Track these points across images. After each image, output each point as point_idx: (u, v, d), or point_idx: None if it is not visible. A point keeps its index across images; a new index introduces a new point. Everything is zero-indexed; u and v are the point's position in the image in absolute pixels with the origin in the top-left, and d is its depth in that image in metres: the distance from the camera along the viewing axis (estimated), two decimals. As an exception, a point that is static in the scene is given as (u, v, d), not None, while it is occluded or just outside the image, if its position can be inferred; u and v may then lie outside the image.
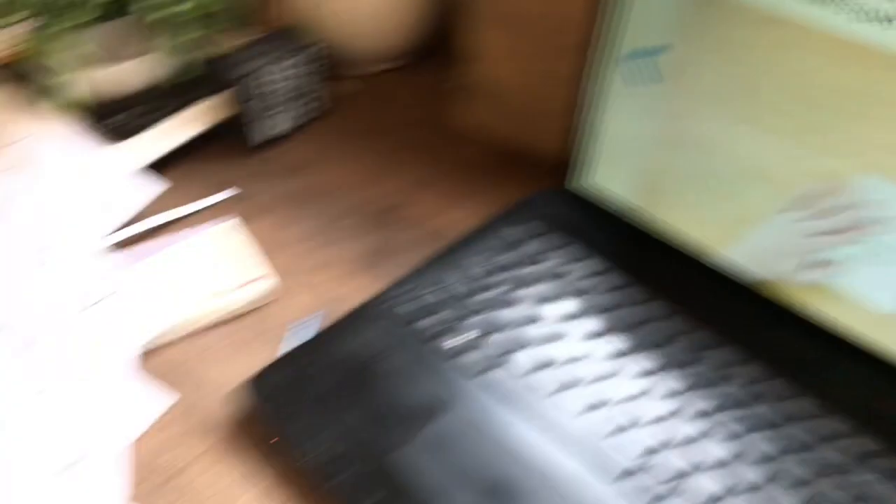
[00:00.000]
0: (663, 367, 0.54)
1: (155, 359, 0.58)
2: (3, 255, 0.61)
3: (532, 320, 0.57)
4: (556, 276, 0.61)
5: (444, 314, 0.57)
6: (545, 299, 0.59)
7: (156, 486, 0.50)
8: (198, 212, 0.69)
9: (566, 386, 0.53)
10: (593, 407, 0.52)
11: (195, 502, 0.49)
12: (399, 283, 0.60)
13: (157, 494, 0.50)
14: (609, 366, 0.54)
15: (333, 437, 0.50)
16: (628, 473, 0.48)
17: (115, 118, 0.72)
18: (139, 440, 0.52)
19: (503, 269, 0.61)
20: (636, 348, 0.56)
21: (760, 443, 0.50)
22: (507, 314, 0.58)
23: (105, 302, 0.59)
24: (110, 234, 0.65)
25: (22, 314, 0.58)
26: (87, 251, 0.63)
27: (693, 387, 0.53)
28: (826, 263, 0.54)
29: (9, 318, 0.57)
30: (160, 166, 0.72)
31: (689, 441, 0.50)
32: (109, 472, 0.50)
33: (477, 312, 0.58)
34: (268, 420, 0.51)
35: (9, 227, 0.63)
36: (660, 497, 0.47)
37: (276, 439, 0.51)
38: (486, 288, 0.60)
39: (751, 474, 0.49)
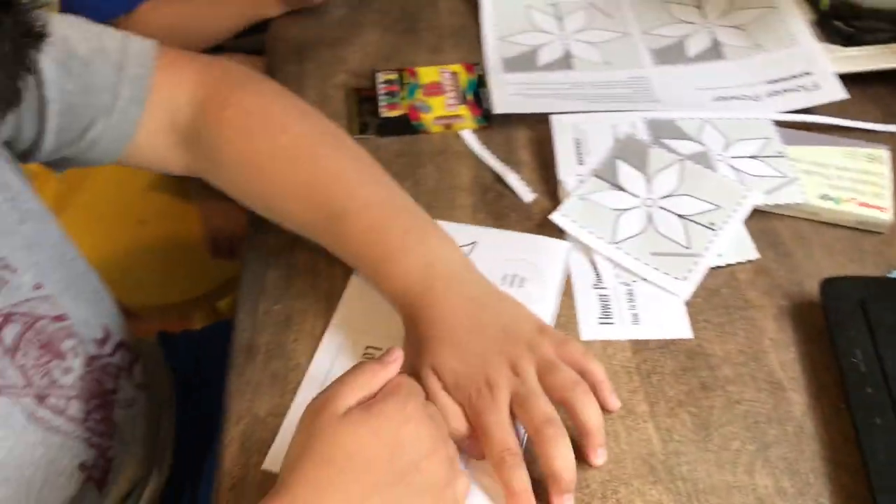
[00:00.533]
0: None
1: (761, 222, 0.67)
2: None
3: None
4: None
5: None
6: None
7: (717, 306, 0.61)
8: (859, 130, 0.74)
9: None
10: None
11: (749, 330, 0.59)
12: None
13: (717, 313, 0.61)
14: None
15: (877, 362, 0.54)
16: None
17: (849, 23, 0.78)
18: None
19: None
20: None
21: None
22: None
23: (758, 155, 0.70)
24: (784, 112, 0.74)
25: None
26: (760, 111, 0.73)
27: None
28: None
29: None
30: (851, 79, 0.77)
31: None
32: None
33: None
34: (831, 315, 0.58)
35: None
36: None
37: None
38: None
39: None
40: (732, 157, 0.71)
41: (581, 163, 0.72)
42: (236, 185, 0.65)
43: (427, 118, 0.77)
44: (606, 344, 0.60)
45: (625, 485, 0.52)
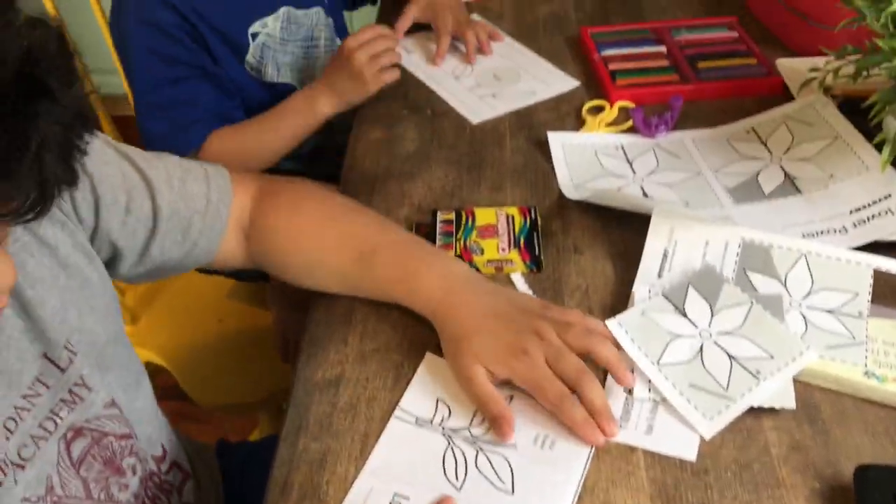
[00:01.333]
0: None
1: (803, 394, 0.66)
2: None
3: None
4: None
5: None
6: None
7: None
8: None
9: None
10: None
11: None
12: None
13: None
14: None
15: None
16: None
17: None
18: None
19: None
20: None
21: None
22: None
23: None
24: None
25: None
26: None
27: None
28: None
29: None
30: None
31: None
32: None
33: None
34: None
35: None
36: None
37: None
38: None
39: None
40: (808, 308, 0.71)
41: (660, 276, 0.75)
42: (284, 252, 0.78)
43: (479, 260, 0.80)
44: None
45: None
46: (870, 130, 0.85)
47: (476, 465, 0.63)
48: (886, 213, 0.79)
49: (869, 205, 0.80)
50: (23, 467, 0.59)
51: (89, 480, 0.64)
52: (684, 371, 0.67)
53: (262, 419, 1.30)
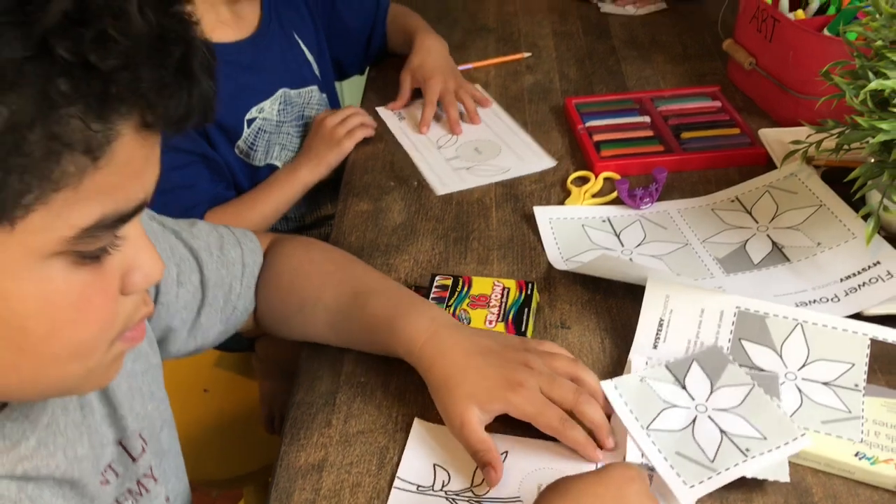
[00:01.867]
0: None
1: (794, 476, 0.65)
2: None
3: None
4: None
5: None
6: None
7: None
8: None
9: None
10: None
11: None
12: None
13: None
14: None
15: None
16: None
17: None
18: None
19: None
20: None
21: None
22: None
23: None
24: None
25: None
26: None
27: None
28: None
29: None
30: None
31: None
32: None
33: None
34: None
35: None
36: None
37: None
38: None
39: None
40: (803, 379, 0.71)
41: (655, 347, 0.75)
42: (289, 286, 0.79)
43: None
44: None
45: None
46: (852, 198, 0.86)
47: None
48: (877, 280, 0.79)
49: (858, 272, 0.80)
50: None
51: None
52: (673, 439, 0.66)
53: (248, 492, 1.27)
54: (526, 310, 0.81)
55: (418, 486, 0.66)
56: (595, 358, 0.77)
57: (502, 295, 0.82)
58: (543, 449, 0.68)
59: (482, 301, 0.82)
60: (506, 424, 0.69)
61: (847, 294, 0.79)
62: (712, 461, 0.64)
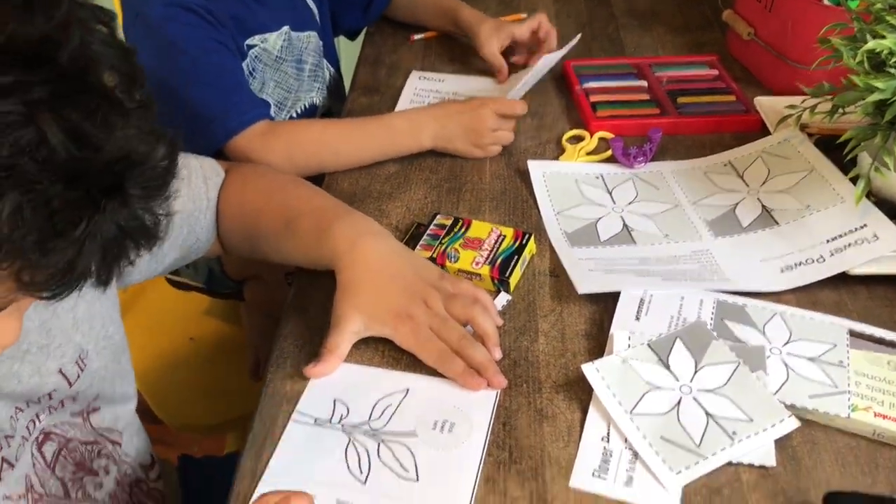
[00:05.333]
0: None
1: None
2: None
3: None
4: None
5: None
6: None
7: None
8: None
9: None
10: None
11: None
12: None
13: None
14: None
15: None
16: None
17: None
18: None
19: None
20: None
21: None
22: None
23: None
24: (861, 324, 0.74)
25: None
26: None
27: None
28: None
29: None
30: None
31: None
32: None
33: None
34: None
35: None
36: None
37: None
38: None
39: None
40: (789, 354, 0.71)
41: (637, 318, 0.75)
42: (235, 223, 0.82)
43: (451, 267, 0.80)
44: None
45: None
46: (844, 165, 0.86)
47: (379, 457, 0.64)
48: (862, 241, 0.80)
49: (845, 234, 0.81)
50: (12, 467, 0.59)
51: (66, 480, 0.64)
52: (658, 423, 0.65)
53: (231, 439, 1.27)
54: (516, 257, 0.81)
55: (316, 418, 0.67)
56: (582, 307, 0.78)
57: (497, 241, 0.83)
58: (443, 385, 0.70)
59: (475, 244, 0.82)
60: (413, 365, 0.71)
61: (833, 254, 0.80)
62: (698, 446, 0.63)
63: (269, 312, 1.15)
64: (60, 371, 0.63)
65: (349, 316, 0.69)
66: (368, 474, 0.63)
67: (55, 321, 0.62)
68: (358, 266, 0.72)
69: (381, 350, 0.73)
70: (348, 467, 0.63)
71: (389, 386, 0.70)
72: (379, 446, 0.65)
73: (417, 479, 0.62)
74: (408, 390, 0.69)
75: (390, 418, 0.67)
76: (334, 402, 0.69)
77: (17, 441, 0.59)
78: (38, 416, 0.61)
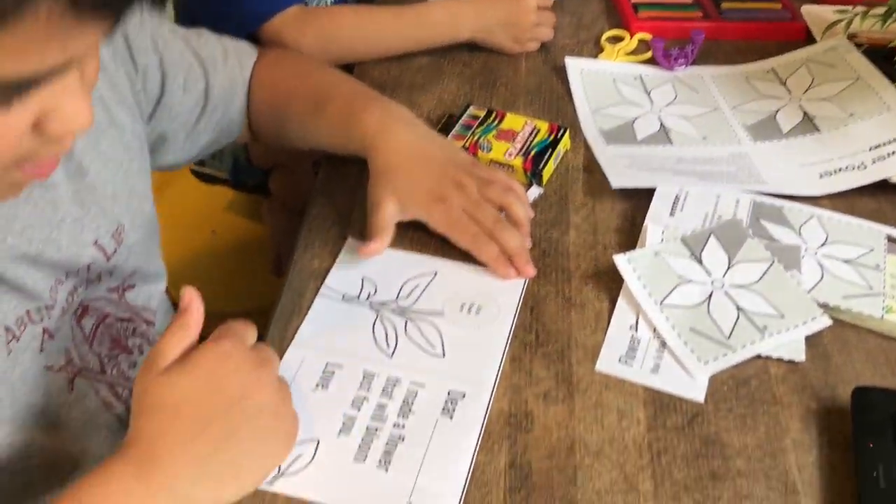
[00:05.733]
0: None
1: None
2: None
3: None
4: None
5: None
6: None
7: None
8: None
9: None
10: None
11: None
12: None
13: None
14: None
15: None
16: None
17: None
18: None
19: None
20: None
21: None
22: None
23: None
24: None
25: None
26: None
27: None
28: None
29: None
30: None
31: None
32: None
33: None
34: (859, 425, 0.56)
35: None
36: None
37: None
38: None
39: None
40: (824, 256, 0.70)
41: (672, 214, 0.74)
42: (269, 106, 0.80)
43: (483, 157, 0.79)
44: (621, 415, 0.59)
45: (613, 560, 0.51)
46: (892, 74, 0.84)
47: (406, 333, 0.64)
48: (906, 149, 0.78)
49: (889, 142, 0.78)
50: (52, 337, 0.59)
51: (102, 356, 0.64)
52: (687, 315, 0.65)
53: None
54: (550, 151, 0.79)
55: (344, 294, 0.67)
56: (614, 204, 0.76)
57: (531, 133, 0.81)
58: (471, 271, 0.69)
59: (509, 135, 0.81)
60: (442, 250, 0.70)
61: (874, 162, 0.78)
62: (728, 338, 0.63)
63: (294, 207, 1.14)
64: (97, 243, 0.63)
65: (385, 200, 0.68)
66: (395, 349, 0.63)
67: (89, 194, 0.62)
68: (391, 150, 0.71)
69: (409, 236, 0.72)
70: (375, 341, 0.64)
71: (418, 268, 0.70)
72: (406, 323, 0.65)
73: (444, 356, 0.63)
74: (436, 273, 0.69)
75: (418, 298, 0.67)
76: (362, 280, 0.68)
77: (57, 312, 0.59)
78: (76, 289, 0.61)
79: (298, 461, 0.56)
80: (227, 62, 0.78)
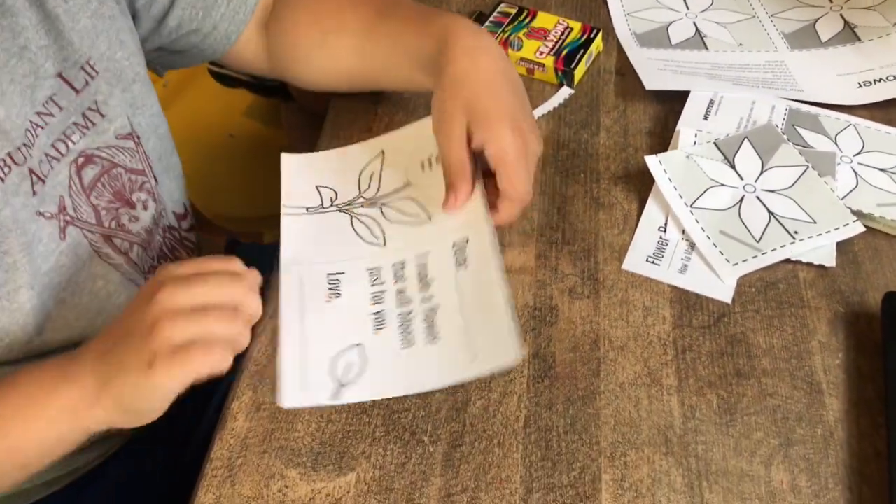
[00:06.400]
0: None
1: None
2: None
3: None
4: None
5: None
6: None
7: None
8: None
9: None
10: None
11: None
12: None
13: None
14: None
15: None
16: None
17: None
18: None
19: None
20: None
21: None
22: None
23: None
24: None
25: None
26: None
27: None
28: None
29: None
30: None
31: None
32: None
33: None
34: (888, 329, 0.55)
35: None
36: None
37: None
38: None
39: None
40: (860, 164, 0.68)
41: (706, 118, 0.72)
42: (307, 27, 0.71)
43: (514, 55, 0.77)
44: (647, 312, 0.59)
45: (636, 449, 0.51)
46: (942, -16, 0.81)
47: (386, 218, 0.63)
48: (947, 60, 0.75)
49: (931, 52, 0.76)
50: (43, 181, 0.58)
51: (100, 208, 0.63)
52: (718, 217, 0.64)
53: (268, 236, 1.28)
54: (582, 51, 0.77)
55: (307, 207, 0.65)
56: (646, 107, 0.74)
57: (563, 33, 0.79)
58: (412, 129, 0.68)
59: (540, 34, 0.79)
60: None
61: (916, 73, 0.76)
62: (758, 241, 0.62)
63: (314, 111, 1.12)
64: (60, 75, 0.59)
65: (455, 122, 0.58)
66: (385, 236, 0.62)
67: (51, 24, 0.58)
68: (468, 61, 0.60)
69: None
70: (362, 239, 0.62)
71: (363, 156, 0.68)
72: (382, 209, 0.64)
73: (430, 218, 0.62)
74: (382, 151, 0.67)
75: (380, 183, 0.66)
76: (317, 188, 0.66)
77: (39, 154, 0.57)
78: (69, 137, 0.60)
79: (352, 370, 0.55)
80: None
